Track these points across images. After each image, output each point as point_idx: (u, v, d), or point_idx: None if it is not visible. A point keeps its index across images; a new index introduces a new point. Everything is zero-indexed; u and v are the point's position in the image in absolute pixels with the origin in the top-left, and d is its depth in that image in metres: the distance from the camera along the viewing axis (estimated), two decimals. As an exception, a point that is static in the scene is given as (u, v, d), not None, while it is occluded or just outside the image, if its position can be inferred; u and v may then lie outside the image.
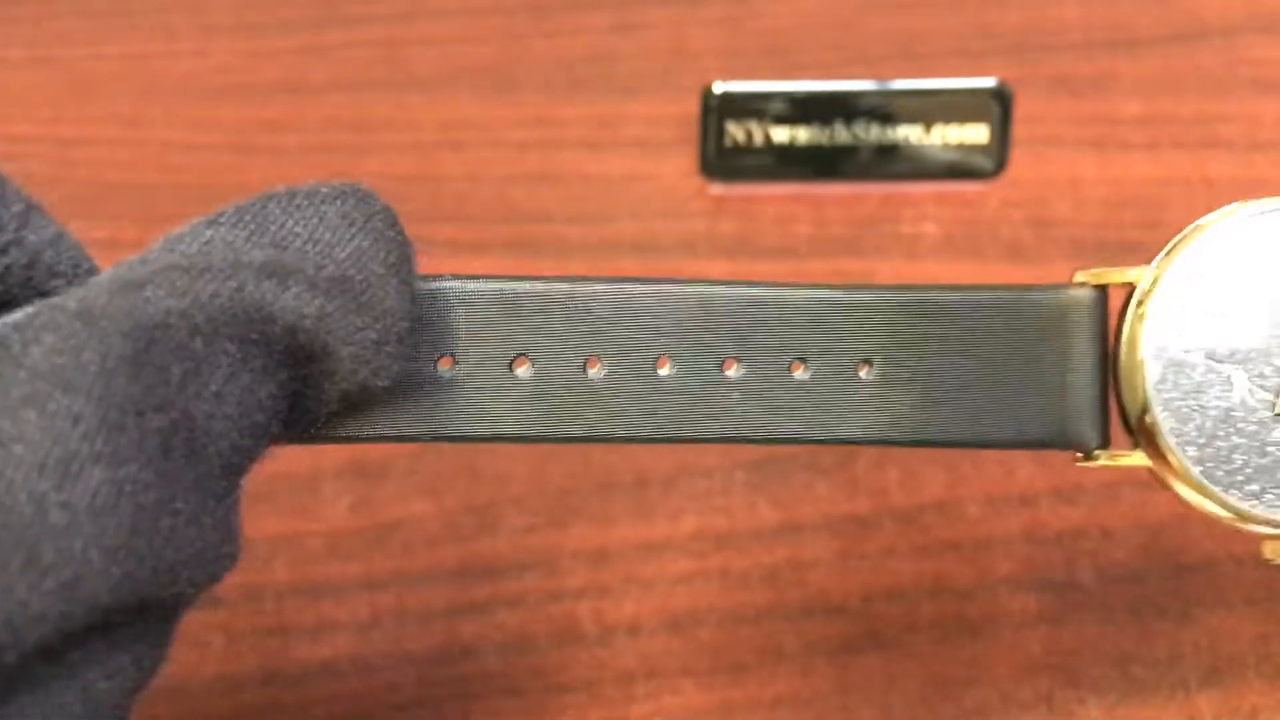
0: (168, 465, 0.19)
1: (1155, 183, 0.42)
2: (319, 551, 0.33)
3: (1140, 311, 0.25)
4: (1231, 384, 0.25)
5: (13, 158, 0.44)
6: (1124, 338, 0.25)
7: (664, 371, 0.24)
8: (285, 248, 0.21)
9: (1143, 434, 0.25)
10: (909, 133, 0.41)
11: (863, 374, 0.24)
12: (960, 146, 0.41)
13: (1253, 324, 0.25)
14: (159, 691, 0.31)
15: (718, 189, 0.41)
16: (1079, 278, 0.26)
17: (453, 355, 0.23)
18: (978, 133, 0.41)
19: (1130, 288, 0.26)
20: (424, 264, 0.40)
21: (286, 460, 0.35)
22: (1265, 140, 0.43)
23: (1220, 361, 0.25)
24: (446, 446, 0.35)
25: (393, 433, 0.23)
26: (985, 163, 0.41)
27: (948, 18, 0.46)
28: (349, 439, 0.23)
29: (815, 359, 0.24)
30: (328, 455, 0.35)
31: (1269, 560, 0.26)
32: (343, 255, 0.22)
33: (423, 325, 0.23)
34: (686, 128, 0.41)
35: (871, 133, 0.41)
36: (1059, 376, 0.25)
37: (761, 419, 0.24)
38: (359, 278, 0.21)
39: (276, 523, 0.34)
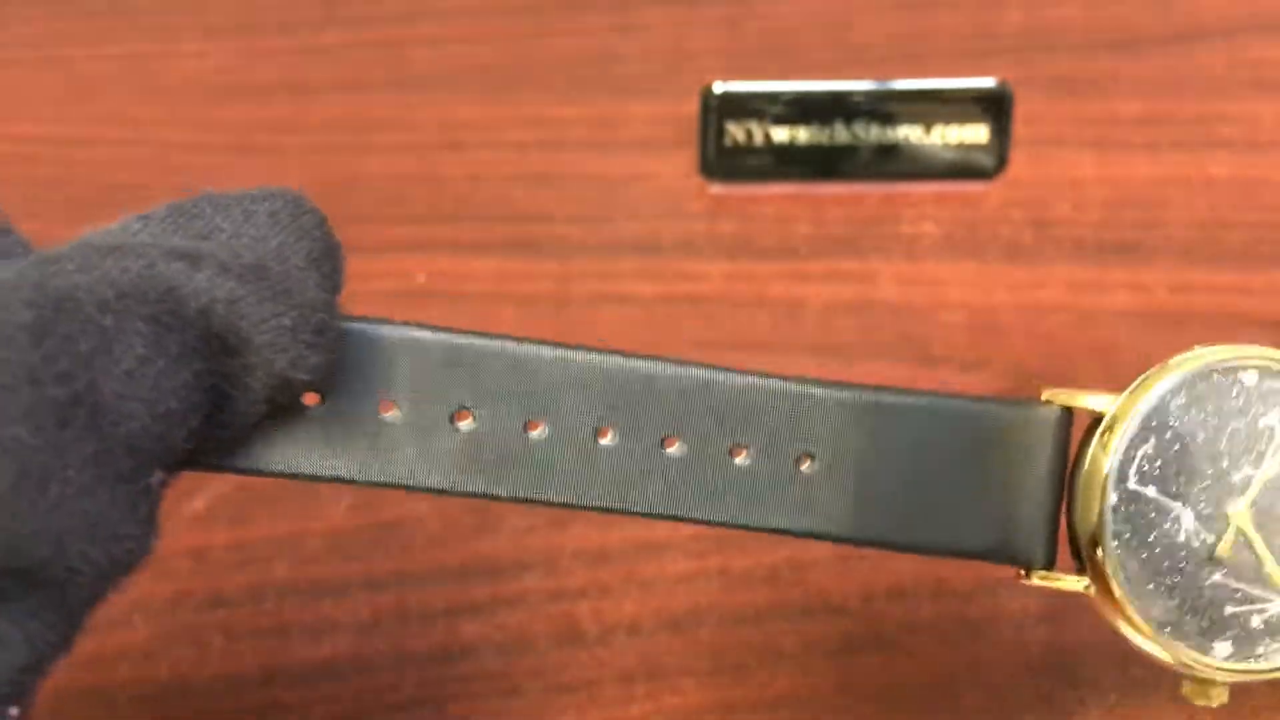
0: (63, 435, 0.19)
1: (1155, 183, 0.42)
2: (319, 551, 0.33)
3: (1104, 441, 0.25)
4: (1179, 523, 0.25)
5: (14, 158, 0.44)
6: (1084, 465, 0.25)
7: (604, 441, 0.24)
8: (207, 239, 0.22)
9: (1090, 562, 0.25)
10: (909, 133, 0.41)
11: (803, 467, 0.24)
12: (960, 146, 0.41)
13: (1207, 465, 0.25)
14: (160, 690, 0.31)
15: (718, 189, 0.42)
16: (1045, 396, 0.26)
17: (396, 401, 0.23)
18: (978, 133, 0.41)
19: (1095, 415, 0.26)
20: (423, 263, 0.41)
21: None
22: (1265, 140, 0.43)
23: (1172, 499, 0.25)
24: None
25: (326, 471, 0.23)
26: (985, 163, 0.41)
27: (948, 18, 0.46)
28: (283, 474, 0.23)
29: (756, 447, 0.24)
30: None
31: (1186, 698, 0.26)
32: (263, 248, 0.22)
33: (367, 368, 0.23)
34: (686, 128, 0.41)
35: (871, 133, 0.41)
36: (1012, 491, 0.25)
37: (696, 500, 0.24)
38: (277, 268, 0.21)
39: (277, 523, 0.34)
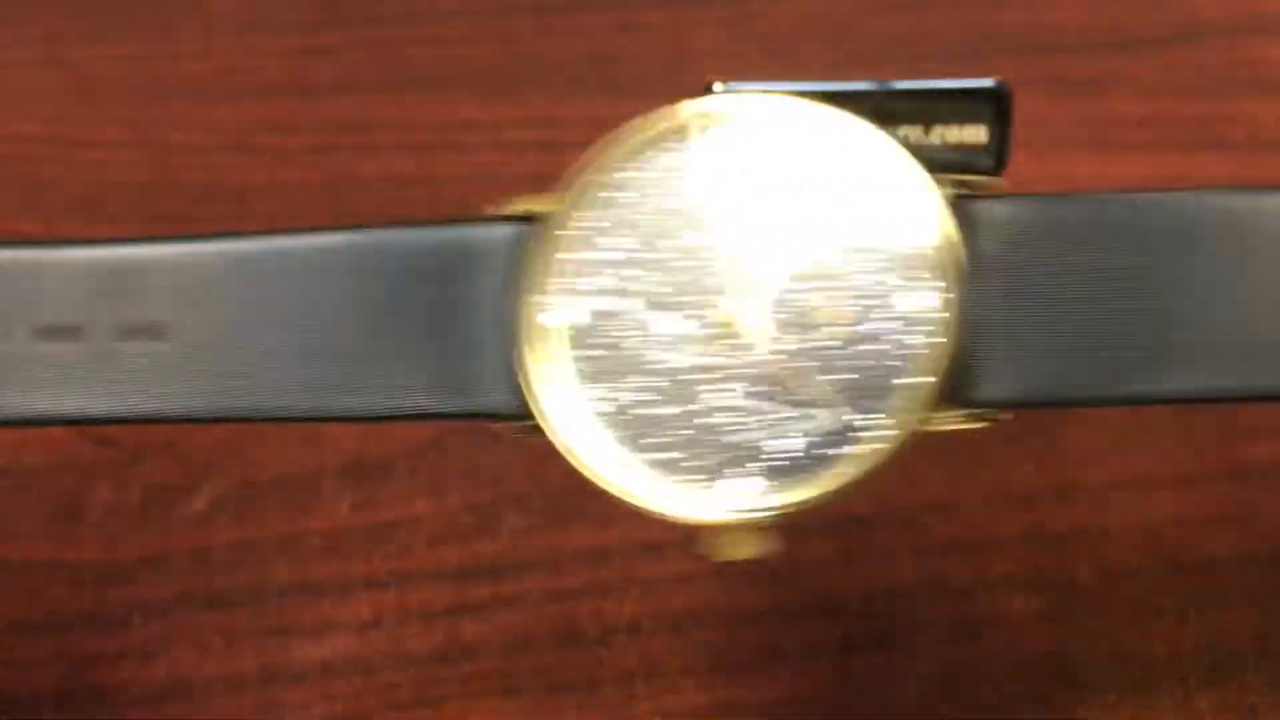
0: None
1: (1155, 183, 0.42)
2: (320, 551, 0.33)
3: (535, 247, 0.20)
4: (644, 334, 0.20)
5: (14, 158, 0.44)
6: (522, 284, 0.20)
7: None
8: None
9: (529, 396, 0.21)
10: (909, 133, 0.41)
11: (140, 344, 0.21)
12: (960, 146, 0.41)
13: (673, 254, 0.20)
14: (160, 690, 0.31)
15: (718, 189, 0.41)
16: (500, 210, 0.21)
17: None
18: (978, 133, 0.41)
19: (540, 219, 0.20)
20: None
21: (288, 460, 0.35)
22: (1266, 140, 0.43)
23: (627, 300, 0.20)
24: (448, 445, 0.35)
25: None
26: (985, 163, 0.41)
27: (948, 18, 0.46)
28: None
29: (85, 327, 0.21)
30: (329, 455, 0.35)
31: (715, 557, 0.21)
32: None
33: None
34: (686, 128, 0.41)
35: (871, 133, 0.40)
36: (467, 332, 0.21)
37: (11, 396, 0.21)
38: None
39: (277, 522, 0.34)
